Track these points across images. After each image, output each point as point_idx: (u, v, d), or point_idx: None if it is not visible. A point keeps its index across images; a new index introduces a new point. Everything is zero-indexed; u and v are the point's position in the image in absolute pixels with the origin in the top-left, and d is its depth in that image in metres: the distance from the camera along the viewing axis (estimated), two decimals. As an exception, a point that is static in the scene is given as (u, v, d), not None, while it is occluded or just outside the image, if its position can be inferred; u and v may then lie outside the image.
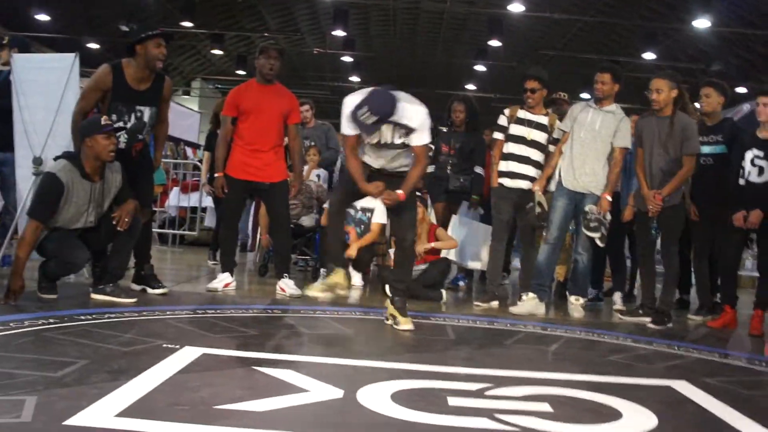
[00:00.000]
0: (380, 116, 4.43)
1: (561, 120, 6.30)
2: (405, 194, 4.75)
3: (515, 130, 6.24)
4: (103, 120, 4.94)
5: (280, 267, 6.25)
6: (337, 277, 4.99)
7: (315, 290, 5.18)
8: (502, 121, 6.33)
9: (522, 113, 6.26)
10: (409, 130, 4.68)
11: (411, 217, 5.00)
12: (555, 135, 6.24)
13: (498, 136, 6.34)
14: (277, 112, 6.02)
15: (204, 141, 9.98)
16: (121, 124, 5.23)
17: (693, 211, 6.18)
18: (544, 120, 6.25)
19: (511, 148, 6.23)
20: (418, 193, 7.21)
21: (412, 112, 4.63)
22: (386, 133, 4.72)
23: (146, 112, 5.40)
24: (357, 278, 7.01)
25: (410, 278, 5.15)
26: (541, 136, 6.23)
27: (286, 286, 6.07)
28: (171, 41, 5.50)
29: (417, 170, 4.82)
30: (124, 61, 5.32)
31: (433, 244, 6.64)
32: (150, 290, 5.60)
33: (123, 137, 5.26)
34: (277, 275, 6.21)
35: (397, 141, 4.74)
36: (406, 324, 4.82)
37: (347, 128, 4.68)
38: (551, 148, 6.25)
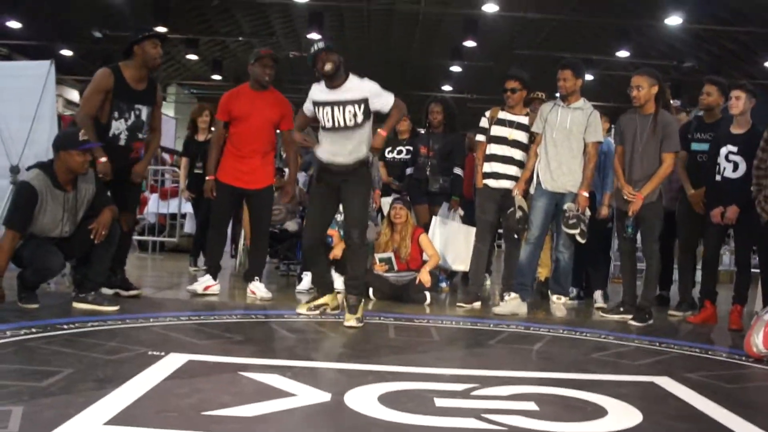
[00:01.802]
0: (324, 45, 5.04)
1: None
2: (386, 132, 5.06)
3: (496, 131, 6.27)
4: (81, 135, 4.93)
5: (253, 270, 6.27)
6: (326, 299, 5.39)
7: (303, 308, 5.39)
8: (484, 123, 6.36)
9: (502, 114, 6.30)
10: (363, 102, 5.01)
11: (357, 213, 5.14)
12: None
13: (480, 138, 6.37)
14: (269, 119, 6.02)
15: (181, 147, 9.90)
16: (122, 121, 5.44)
17: (699, 204, 6.23)
18: (524, 120, 6.29)
19: (493, 149, 6.26)
20: (398, 195, 7.24)
21: (357, 83, 5.08)
22: (338, 116, 5.02)
23: (144, 111, 5.57)
24: (339, 282, 7.00)
25: (363, 275, 5.32)
26: (522, 136, 6.26)
27: (257, 289, 6.11)
28: (165, 42, 5.71)
29: (395, 113, 5.10)
30: (121, 63, 5.51)
31: (423, 271, 6.57)
32: (123, 293, 5.64)
33: (124, 134, 5.45)
34: (249, 278, 6.23)
35: (350, 122, 5.02)
36: (350, 320, 4.96)
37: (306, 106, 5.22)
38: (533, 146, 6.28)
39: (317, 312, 5.33)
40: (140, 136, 5.61)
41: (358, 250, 5.18)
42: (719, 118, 6.37)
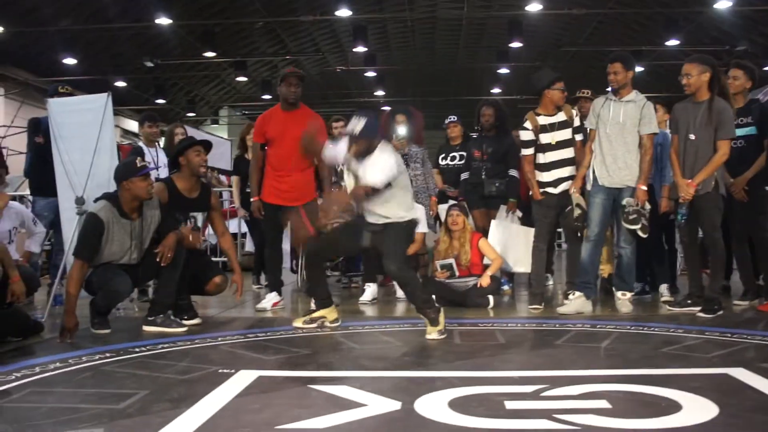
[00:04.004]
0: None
1: (580, 114, 6.34)
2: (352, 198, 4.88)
3: (543, 138, 6.18)
4: (139, 162, 5.10)
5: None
6: (324, 312, 5.33)
7: (299, 322, 5.35)
8: (529, 135, 6.22)
9: (542, 120, 6.21)
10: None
11: (391, 247, 4.99)
12: (576, 123, 6.23)
13: (528, 152, 6.27)
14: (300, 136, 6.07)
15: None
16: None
17: (741, 193, 6.09)
18: (562, 117, 6.21)
19: (548, 157, 6.17)
20: (454, 201, 7.22)
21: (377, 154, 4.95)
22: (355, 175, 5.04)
23: (199, 218, 5.93)
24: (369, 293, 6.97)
25: (419, 295, 5.01)
26: (566, 134, 6.20)
27: None
28: (208, 149, 5.90)
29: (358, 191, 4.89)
30: (174, 176, 5.82)
31: (484, 275, 6.54)
32: (186, 321, 5.63)
33: None
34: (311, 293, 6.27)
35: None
36: (431, 333, 4.86)
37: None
38: (578, 137, 6.21)
39: (314, 325, 5.29)
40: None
41: (404, 277, 5.08)
42: (748, 101, 6.25)
